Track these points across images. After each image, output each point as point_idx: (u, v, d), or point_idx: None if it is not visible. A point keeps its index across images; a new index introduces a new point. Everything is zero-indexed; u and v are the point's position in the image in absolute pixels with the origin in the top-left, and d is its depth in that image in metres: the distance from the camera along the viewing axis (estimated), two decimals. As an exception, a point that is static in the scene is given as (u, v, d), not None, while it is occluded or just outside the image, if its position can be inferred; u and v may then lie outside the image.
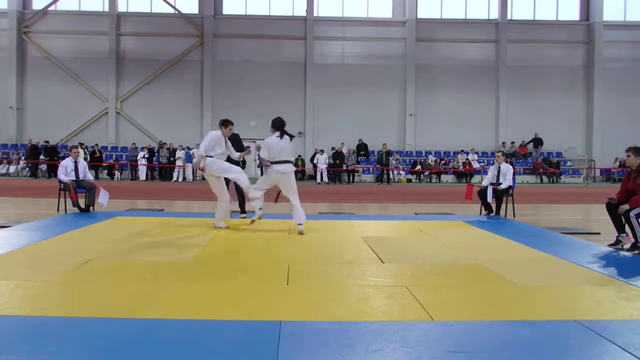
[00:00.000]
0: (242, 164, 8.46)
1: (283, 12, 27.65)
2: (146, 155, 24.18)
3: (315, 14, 27.40)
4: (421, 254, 6.11)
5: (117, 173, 24.85)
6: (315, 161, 24.36)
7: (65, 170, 9.54)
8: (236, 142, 8.21)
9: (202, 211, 10.50)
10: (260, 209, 7.67)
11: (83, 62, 26.98)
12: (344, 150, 24.38)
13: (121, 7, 27.69)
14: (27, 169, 24.91)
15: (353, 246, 6.41)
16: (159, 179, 24.37)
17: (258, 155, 7.74)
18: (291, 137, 7.53)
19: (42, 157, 24.44)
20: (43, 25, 27.38)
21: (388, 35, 27.63)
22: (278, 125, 7.42)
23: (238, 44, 27.25)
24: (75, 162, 9.67)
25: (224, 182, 7.88)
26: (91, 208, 9.59)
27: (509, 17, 27.82)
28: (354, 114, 26.89)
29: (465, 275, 5.02)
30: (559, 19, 28.26)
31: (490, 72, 27.66)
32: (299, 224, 7.33)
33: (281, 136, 7.34)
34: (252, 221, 8.01)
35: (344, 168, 24.00)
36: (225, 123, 7.70)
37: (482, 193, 9.86)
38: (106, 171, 25.07)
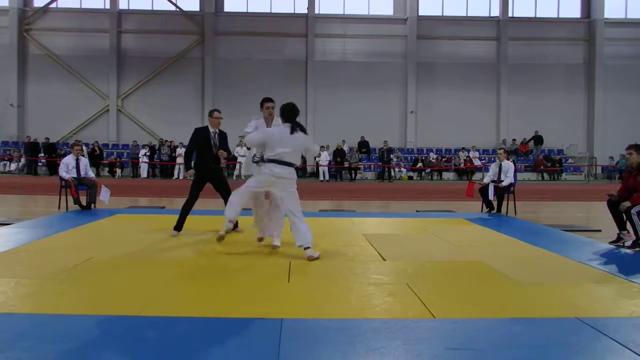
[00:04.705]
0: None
1: (284, 9, 27.59)
2: (148, 153, 24.18)
3: (316, 12, 27.33)
4: (422, 251, 6.12)
5: (118, 170, 24.84)
6: (316, 159, 24.35)
7: (67, 167, 9.55)
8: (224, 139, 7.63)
9: (204, 209, 10.48)
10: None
11: (84, 59, 26.93)
12: (345, 148, 24.38)
13: (122, 5, 27.63)
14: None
15: (354, 244, 6.41)
16: (160, 177, 24.37)
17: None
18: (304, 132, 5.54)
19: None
20: (44, 22, 27.34)
21: (389, 33, 27.55)
22: (287, 114, 5.47)
23: (239, 41, 27.19)
24: (77, 160, 9.68)
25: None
26: (92, 205, 9.59)
27: (510, 15, 27.75)
28: (355, 111, 26.80)
29: (467, 272, 5.02)
30: (560, 16, 28.19)
31: (492, 70, 27.60)
32: (305, 248, 5.39)
33: (291, 130, 5.40)
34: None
35: (346, 165, 24.04)
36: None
37: (484, 190, 9.86)
38: (107, 169, 25.07)
